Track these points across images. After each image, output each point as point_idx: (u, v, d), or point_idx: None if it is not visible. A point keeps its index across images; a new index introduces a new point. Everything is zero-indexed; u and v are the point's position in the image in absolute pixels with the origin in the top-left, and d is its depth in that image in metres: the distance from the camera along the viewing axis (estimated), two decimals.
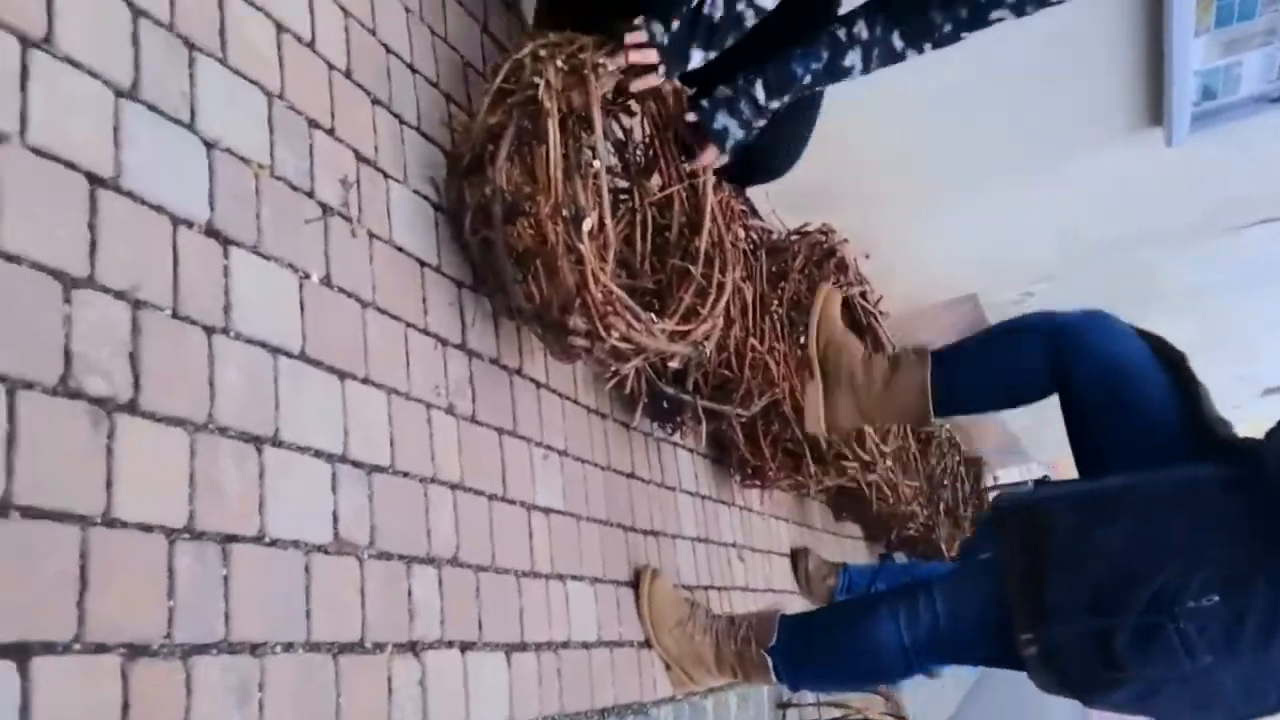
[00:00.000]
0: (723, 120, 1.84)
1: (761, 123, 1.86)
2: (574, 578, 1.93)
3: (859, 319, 2.58)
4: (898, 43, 1.86)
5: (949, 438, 4.12)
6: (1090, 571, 1.68)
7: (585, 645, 1.92)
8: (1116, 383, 1.86)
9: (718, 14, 1.72)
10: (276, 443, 1.26)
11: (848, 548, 3.41)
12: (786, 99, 1.84)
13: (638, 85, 1.72)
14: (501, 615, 1.67)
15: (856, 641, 2.05)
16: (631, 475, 2.28)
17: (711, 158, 1.89)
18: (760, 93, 1.82)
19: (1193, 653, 1.61)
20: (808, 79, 1.83)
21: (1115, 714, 1.87)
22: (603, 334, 1.61)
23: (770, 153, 1.96)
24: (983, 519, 3.58)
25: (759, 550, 3.02)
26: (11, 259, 0.99)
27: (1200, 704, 1.69)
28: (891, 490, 3.40)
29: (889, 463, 2.83)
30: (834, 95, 2.02)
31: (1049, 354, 1.92)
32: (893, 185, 3.57)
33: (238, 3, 1.35)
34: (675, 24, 1.72)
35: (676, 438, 2.48)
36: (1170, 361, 1.87)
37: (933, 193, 3.76)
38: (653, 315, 1.73)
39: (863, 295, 2.59)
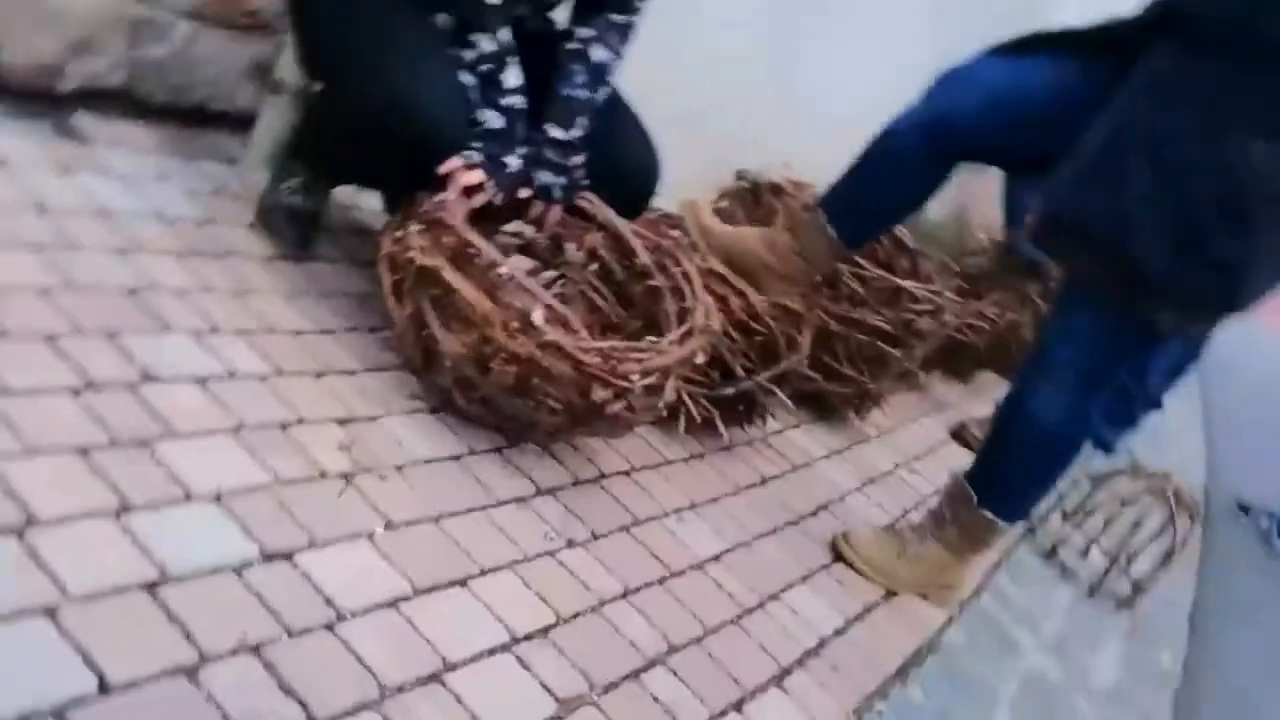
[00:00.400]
0: (543, 178, 1.89)
1: (577, 157, 1.90)
2: (783, 590, 1.93)
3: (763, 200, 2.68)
4: (616, 18, 1.94)
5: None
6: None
7: (837, 633, 1.92)
8: (999, 109, 1.98)
9: (498, 123, 1.81)
10: (450, 667, 1.30)
11: (988, 395, 3.37)
12: (583, 120, 1.90)
13: (478, 201, 1.79)
14: (748, 659, 1.68)
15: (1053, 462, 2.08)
16: (764, 481, 2.29)
17: (557, 214, 1.95)
18: (557, 132, 1.88)
19: None
20: (584, 93, 1.90)
21: None
22: (626, 383, 1.65)
23: (623, 162, 2.01)
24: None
25: (922, 457, 3.00)
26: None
27: None
28: (977, 319, 3.39)
29: (950, 295, 2.81)
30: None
31: (923, 138, 2.04)
32: (749, 75, 3.55)
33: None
34: (481, 145, 1.79)
35: (773, 424, 2.49)
36: (1026, 44, 1.99)
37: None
38: (652, 338, 1.77)
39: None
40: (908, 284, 2.65)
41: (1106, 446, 4.39)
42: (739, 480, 2.22)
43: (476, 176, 1.77)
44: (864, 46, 3.89)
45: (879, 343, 2.64)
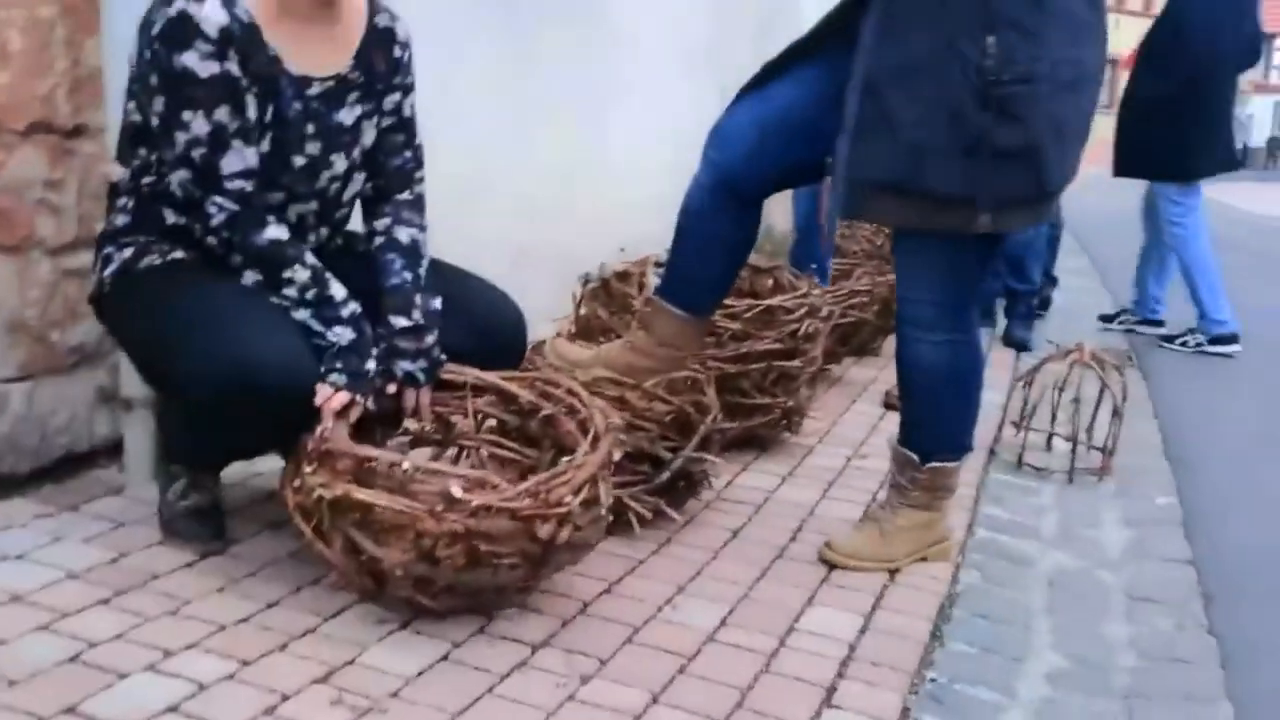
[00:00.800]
0: (404, 367, 1.92)
1: (429, 336, 1.95)
2: (796, 621, 1.96)
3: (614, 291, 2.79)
4: (403, 196, 2.10)
5: None
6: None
7: (862, 631, 1.95)
8: (769, 139, 2.14)
9: (347, 337, 1.85)
10: None
11: None
12: (419, 300, 1.96)
13: (355, 416, 1.83)
14: (793, 695, 1.70)
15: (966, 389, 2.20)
16: (735, 533, 2.33)
17: (428, 395, 1.98)
18: (401, 321, 1.93)
19: None
20: (408, 275, 1.98)
21: None
22: (563, 508, 1.69)
23: (486, 322, 2.09)
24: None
25: (867, 440, 3.06)
26: None
27: None
28: (855, 297, 3.51)
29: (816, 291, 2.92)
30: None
31: (717, 198, 2.17)
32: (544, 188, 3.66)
33: None
34: (338, 365, 1.84)
35: (721, 480, 2.54)
36: (762, 76, 2.13)
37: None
38: (566, 458, 1.81)
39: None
40: (775, 301, 2.74)
41: (1024, 346, 4.55)
42: (712, 544, 2.25)
43: (342, 399, 1.81)
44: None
45: (776, 363, 2.71)
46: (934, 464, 2.18)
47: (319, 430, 1.76)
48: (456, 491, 1.67)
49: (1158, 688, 1.93)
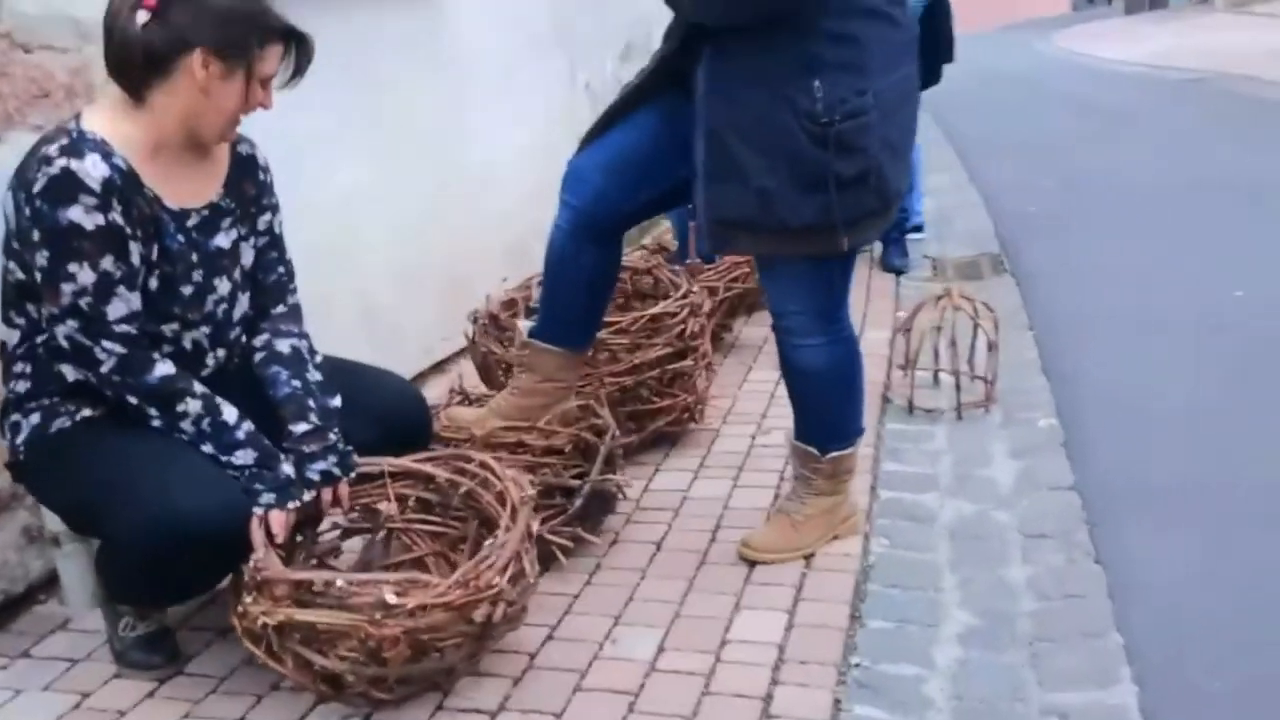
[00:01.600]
0: (317, 468, 1.99)
1: (332, 433, 2.02)
2: (726, 633, 2.12)
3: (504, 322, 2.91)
4: (279, 309, 2.18)
5: None
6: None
7: (788, 629, 2.12)
8: (617, 178, 2.25)
9: (249, 456, 1.93)
10: None
11: None
12: (313, 403, 2.03)
13: (282, 534, 1.92)
14: (737, 709, 1.86)
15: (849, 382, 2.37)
16: (659, 545, 2.47)
17: (346, 488, 2.05)
18: (301, 427, 2.00)
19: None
20: (296, 384, 2.06)
21: None
22: (494, 589, 1.81)
23: (388, 411, 2.19)
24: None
25: (766, 414, 3.22)
26: None
27: None
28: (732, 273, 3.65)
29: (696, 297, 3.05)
30: None
31: (578, 238, 2.30)
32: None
33: None
34: (257, 486, 1.92)
35: (634, 489, 2.67)
36: (602, 124, 2.29)
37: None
38: (489, 539, 1.93)
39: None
40: (658, 309, 2.86)
41: (901, 270, 4.76)
42: (637, 563, 2.40)
43: (277, 518, 1.90)
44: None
45: (670, 366, 2.85)
46: (832, 454, 2.35)
47: (253, 560, 1.85)
48: (390, 598, 1.78)
49: (1056, 629, 2.14)
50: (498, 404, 2.45)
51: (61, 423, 1.98)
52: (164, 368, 1.92)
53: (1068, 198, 6.07)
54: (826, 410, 2.35)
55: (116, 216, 1.84)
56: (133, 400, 1.92)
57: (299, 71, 1.98)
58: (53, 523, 2.27)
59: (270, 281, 2.13)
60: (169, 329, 1.99)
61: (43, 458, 1.98)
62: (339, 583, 1.82)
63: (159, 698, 2.01)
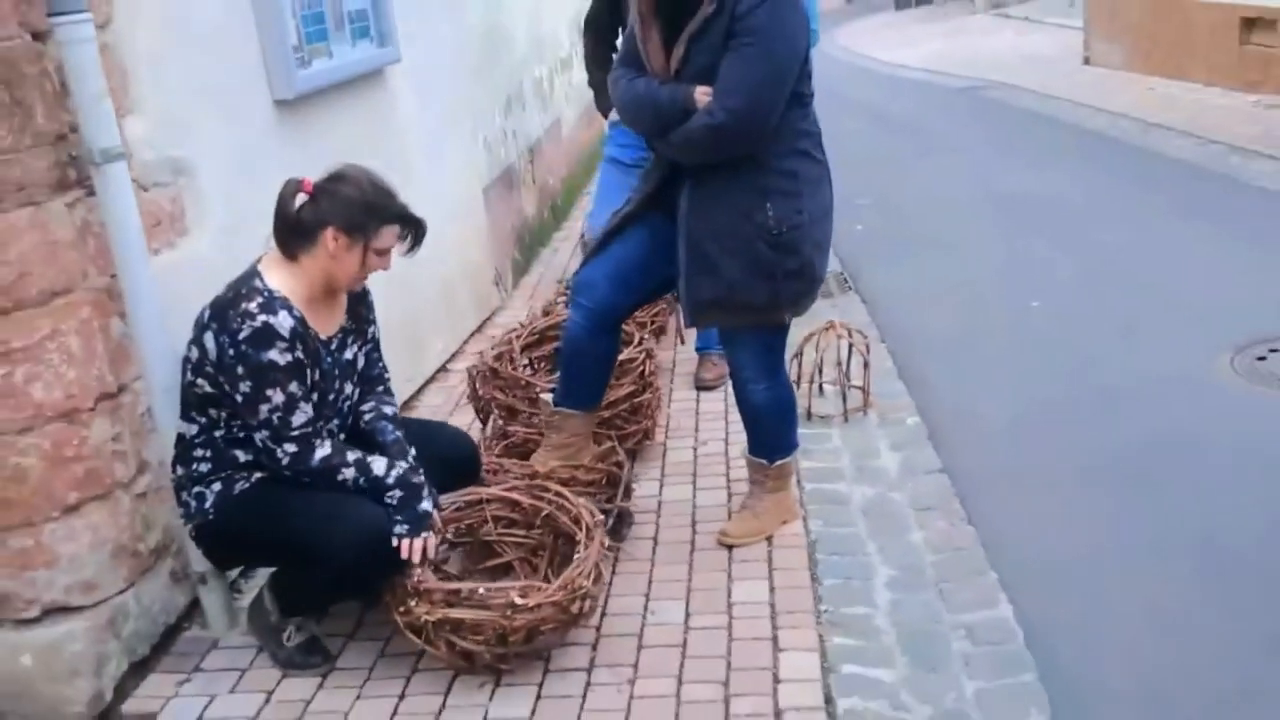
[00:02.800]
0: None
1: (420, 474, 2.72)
2: (731, 597, 2.95)
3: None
4: (380, 388, 2.91)
5: None
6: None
7: (773, 590, 2.97)
8: (622, 283, 3.11)
9: (396, 497, 2.62)
10: None
11: None
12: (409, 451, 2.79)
13: (433, 554, 2.65)
14: (749, 650, 2.70)
15: (787, 412, 3.21)
16: (655, 544, 3.28)
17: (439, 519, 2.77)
18: (401, 464, 2.72)
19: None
20: (397, 435, 2.82)
21: None
22: (585, 589, 2.59)
23: (449, 455, 2.95)
24: None
25: (705, 434, 4.06)
26: None
27: None
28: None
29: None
30: None
31: (593, 331, 3.11)
32: None
33: None
34: (398, 518, 2.60)
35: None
36: (603, 242, 3.11)
37: None
38: (576, 550, 2.70)
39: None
40: (623, 356, 3.64)
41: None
42: (645, 554, 3.19)
43: (415, 545, 2.61)
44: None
45: (634, 399, 3.65)
46: (778, 462, 3.21)
47: (414, 575, 2.57)
48: (517, 600, 2.53)
49: (951, 573, 3.06)
50: (540, 457, 3.21)
51: (241, 485, 2.65)
52: (323, 450, 2.60)
53: (887, 216, 7.04)
54: (771, 433, 3.21)
55: (299, 354, 2.53)
56: (305, 479, 2.60)
57: (415, 244, 2.69)
58: (199, 564, 2.91)
59: (374, 372, 2.86)
60: (320, 426, 2.67)
61: (234, 513, 2.64)
62: (480, 590, 2.57)
63: (329, 688, 2.69)
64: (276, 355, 2.49)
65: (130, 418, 2.79)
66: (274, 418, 2.53)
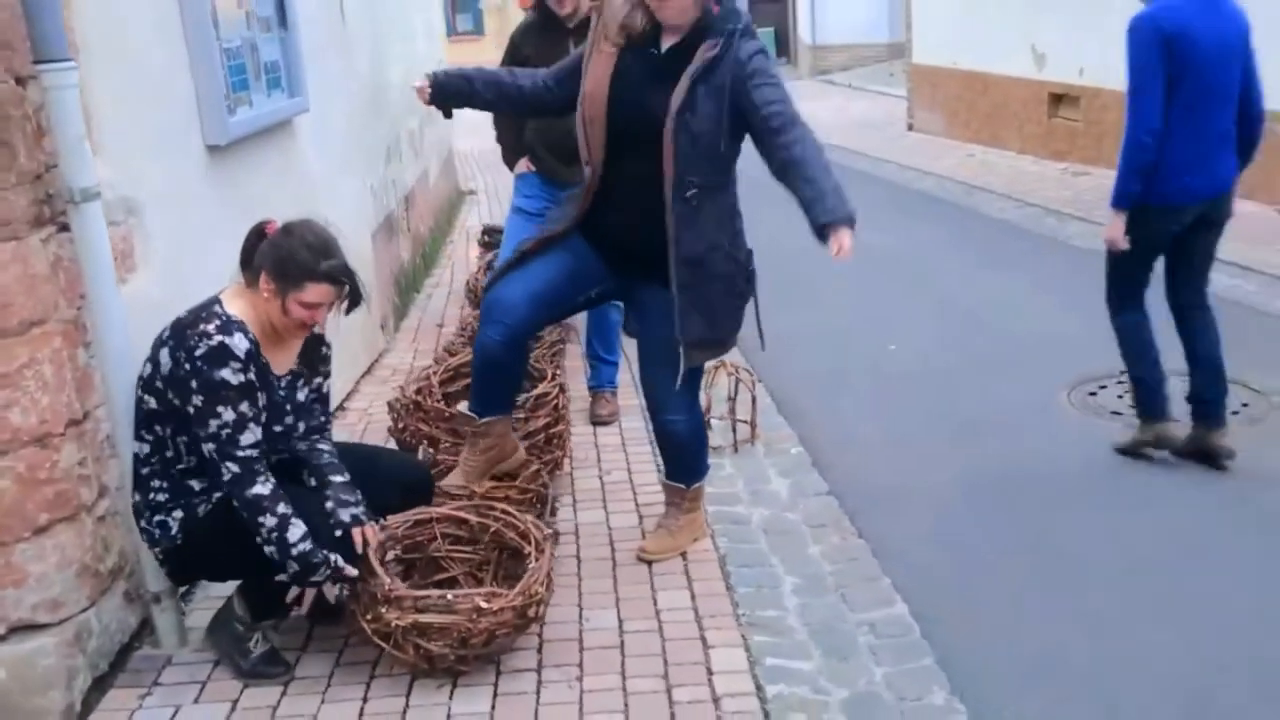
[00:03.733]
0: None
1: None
2: (659, 604, 3.24)
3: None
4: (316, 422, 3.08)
5: None
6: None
7: (693, 596, 3.28)
8: (537, 300, 3.32)
9: (293, 569, 2.77)
10: None
11: None
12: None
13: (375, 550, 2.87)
14: (682, 647, 3.00)
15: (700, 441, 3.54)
16: (578, 561, 3.55)
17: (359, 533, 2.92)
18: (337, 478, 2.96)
19: None
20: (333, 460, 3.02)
21: None
22: (540, 595, 2.85)
23: (403, 481, 3.19)
24: None
25: (607, 464, 4.36)
26: None
27: None
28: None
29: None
30: None
31: (506, 344, 3.31)
32: None
33: None
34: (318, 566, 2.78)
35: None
36: (518, 261, 3.37)
37: None
38: (531, 551, 2.96)
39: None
40: (539, 390, 3.93)
41: None
42: (571, 569, 3.46)
43: (371, 531, 2.84)
44: None
45: (550, 431, 3.92)
46: (694, 485, 3.54)
47: (386, 583, 2.77)
48: (483, 604, 2.77)
49: (849, 578, 3.43)
50: (469, 466, 3.44)
51: (204, 508, 2.81)
52: (262, 489, 2.74)
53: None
54: (689, 460, 3.54)
55: (252, 376, 2.72)
56: (235, 503, 2.75)
57: (353, 304, 2.90)
58: (153, 584, 3.03)
59: (315, 423, 3.02)
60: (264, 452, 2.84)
61: (202, 535, 2.80)
62: (448, 596, 2.79)
63: (292, 694, 2.86)
64: (229, 374, 2.67)
65: (93, 443, 2.91)
66: (223, 434, 2.69)
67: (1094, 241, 7.50)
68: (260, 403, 2.77)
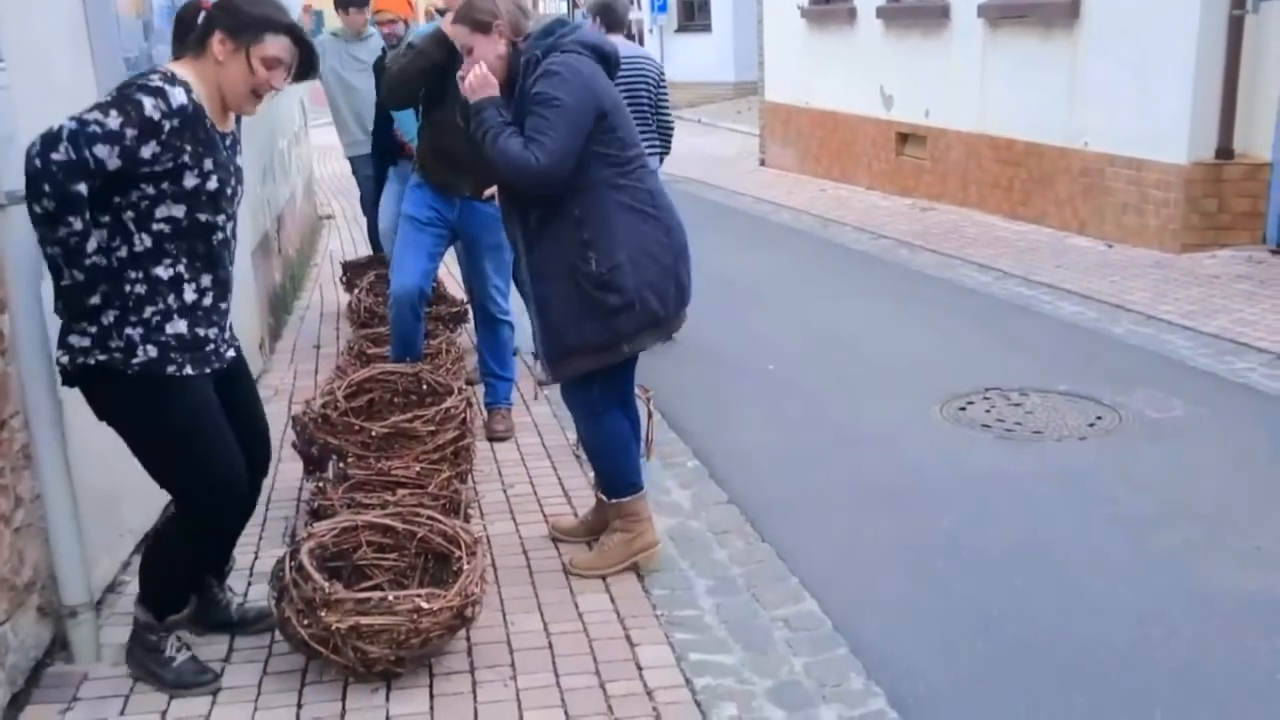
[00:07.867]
0: None
1: None
2: (583, 615, 3.33)
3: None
4: None
5: None
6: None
7: (618, 617, 3.37)
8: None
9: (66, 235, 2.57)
10: None
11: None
12: None
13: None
14: (615, 662, 3.09)
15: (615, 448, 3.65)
16: (495, 571, 3.60)
17: None
18: None
19: None
20: None
21: None
22: (475, 596, 2.90)
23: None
24: None
25: (509, 478, 4.41)
26: None
27: None
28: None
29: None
30: None
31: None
32: None
33: None
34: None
35: None
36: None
37: None
38: (462, 555, 3.00)
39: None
40: (447, 404, 3.97)
41: (542, 382, 6.04)
42: (490, 577, 3.51)
43: None
44: None
45: (458, 444, 3.97)
46: (614, 500, 3.63)
47: (325, 587, 2.78)
48: (424, 605, 2.81)
49: (758, 579, 3.58)
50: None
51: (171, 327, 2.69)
52: (82, 189, 2.49)
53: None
54: (602, 469, 3.64)
55: (170, 131, 2.56)
56: (51, 193, 2.47)
57: (306, 71, 2.83)
58: (69, 598, 2.96)
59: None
60: (220, 219, 2.76)
61: (148, 395, 2.70)
62: (390, 597, 2.82)
63: (223, 704, 2.83)
64: (149, 105, 2.54)
65: (9, 453, 2.84)
66: (93, 127, 2.49)
67: (946, 271, 8.01)
68: (147, 153, 2.56)
